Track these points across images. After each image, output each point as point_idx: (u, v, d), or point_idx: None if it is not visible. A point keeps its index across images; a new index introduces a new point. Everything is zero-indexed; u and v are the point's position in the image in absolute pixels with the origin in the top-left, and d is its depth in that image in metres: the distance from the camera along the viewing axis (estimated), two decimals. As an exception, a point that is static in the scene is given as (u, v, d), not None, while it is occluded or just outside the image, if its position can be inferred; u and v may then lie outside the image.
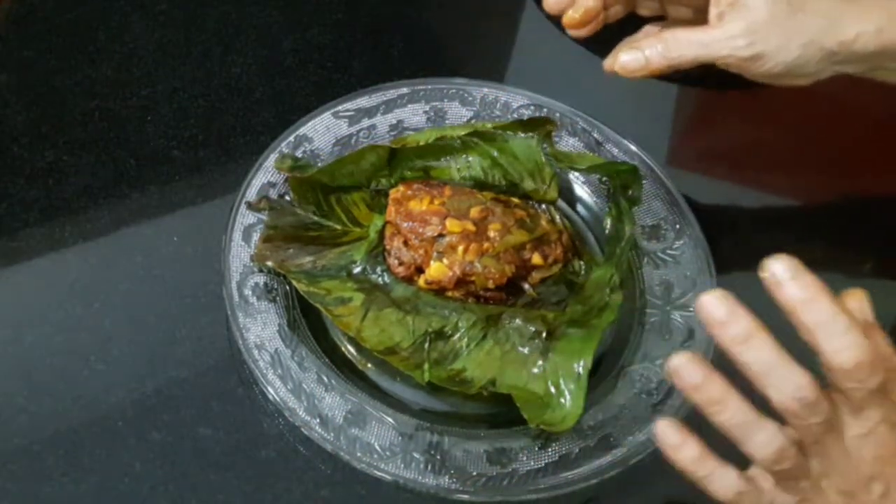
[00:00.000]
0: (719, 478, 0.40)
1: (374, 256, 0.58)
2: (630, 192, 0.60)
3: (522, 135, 0.61)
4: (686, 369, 0.38)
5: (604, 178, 0.63)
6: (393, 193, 0.59)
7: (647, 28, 0.60)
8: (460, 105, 0.65)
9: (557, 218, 0.62)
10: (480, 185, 0.62)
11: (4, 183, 0.61)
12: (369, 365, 0.55)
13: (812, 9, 0.53)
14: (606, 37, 0.76)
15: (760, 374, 0.37)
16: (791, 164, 0.72)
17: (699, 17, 0.55)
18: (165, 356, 0.55)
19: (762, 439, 0.38)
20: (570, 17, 0.57)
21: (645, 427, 0.53)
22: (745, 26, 0.52)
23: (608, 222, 0.61)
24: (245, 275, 0.55)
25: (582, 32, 0.58)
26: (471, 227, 0.56)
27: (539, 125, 0.61)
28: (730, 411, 0.38)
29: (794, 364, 0.37)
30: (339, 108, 0.63)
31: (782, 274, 0.37)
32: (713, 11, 0.53)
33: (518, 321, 0.55)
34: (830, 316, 0.36)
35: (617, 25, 0.60)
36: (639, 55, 0.54)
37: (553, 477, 0.51)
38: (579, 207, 0.64)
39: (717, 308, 0.37)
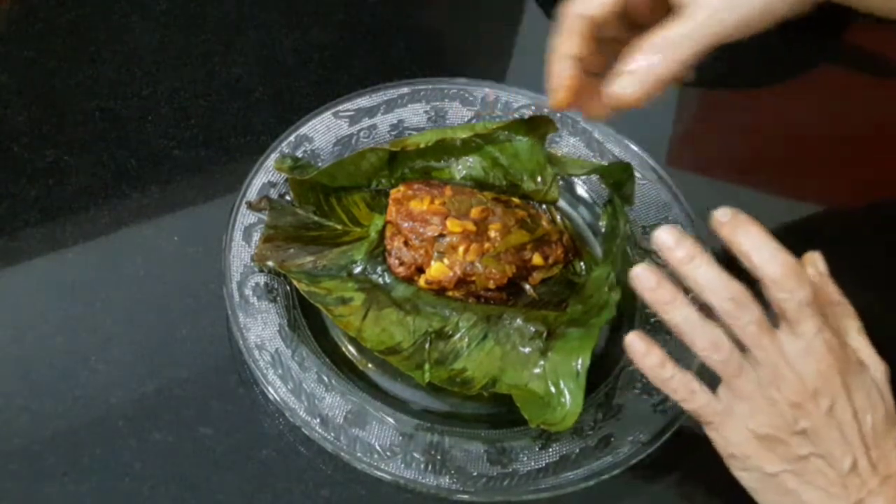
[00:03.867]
0: (678, 380, 0.46)
1: (374, 256, 0.58)
2: (624, 189, 0.60)
3: (521, 137, 0.61)
4: (643, 275, 0.45)
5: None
6: (393, 193, 0.59)
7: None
8: (461, 105, 0.65)
9: (558, 218, 0.62)
10: (481, 185, 0.62)
11: (4, 183, 0.61)
12: (370, 365, 0.55)
13: None
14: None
15: (702, 283, 0.44)
16: (791, 165, 0.72)
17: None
18: (165, 356, 0.55)
19: (703, 332, 0.44)
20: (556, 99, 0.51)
21: (645, 427, 0.53)
22: None
23: (604, 221, 0.62)
24: (246, 275, 0.55)
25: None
26: (471, 227, 0.57)
27: (539, 125, 0.61)
28: (678, 310, 0.45)
29: (732, 278, 0.44)
30: (340, 107, 0.63)
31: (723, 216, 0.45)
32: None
33: (518, 321, 0.55)
34: (762, 241, 0.44)
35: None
36: (634, 80, 0.49)
37: (553, 477, 0.51)
38: (580, 208, 0.64)
39: (669, 237, 0.44)
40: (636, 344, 0.46)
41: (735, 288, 0.44)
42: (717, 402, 0.46)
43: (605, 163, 0.63)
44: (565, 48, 0.50)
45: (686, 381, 0.46)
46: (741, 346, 0.45)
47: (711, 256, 0.44)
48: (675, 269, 0.45)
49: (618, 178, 0.60)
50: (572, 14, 0.50)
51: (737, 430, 0.46)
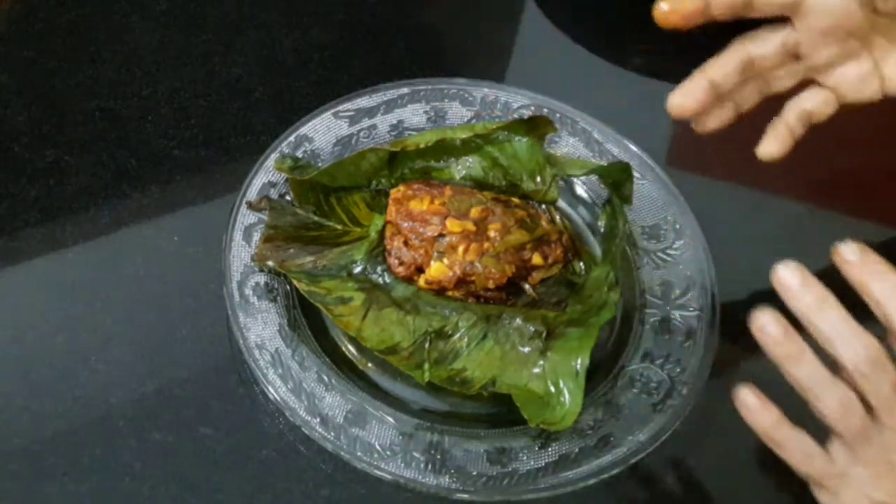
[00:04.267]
0: (793, 441, 0.42)
1: (374, 256, 0.58)
2: (622, 189, 0.60)
3: (521, 137, 0.61)
4: (769, 325, 0.41)
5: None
6: (393, 193, 0.59)
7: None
8: (461, 105, 0.65)
9: (558, 218, 0.62)
10: (481, 185, 0.62)
11: (5, 183, 0.61)
12: (370, 364, 0.55)
13: None
14: (609, 37, 0.76)
15: (833, 336, 0.40)
16: (791, 164, 0.72)
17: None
18: (165, 356, 0.55)
19: (831, 393, 0.41)
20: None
21: (645, 427, 0.53)
22: None
23: (603, 221, 0.62)
24: (246, 274, 0.55)
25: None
26: (471, 227, 0.57)
27: (538, 125, 0.61)
28: (805, 366, 0.41)
29: (863, 329, 0.40)
30: (340, 108, 0.63)
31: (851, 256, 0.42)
32: None
33: (518, 321, 0.55)
34: None
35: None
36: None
37: (553, 476, 0.51)
38: (580, 208, 0.64)
39: (792, 278, 0.41)
40: (748, 399, 0.43)
41: (870, 342, 0.40)
42: (833, 465, 0.42)
43: (604, 163, 0.63)
44: (712, 71, 0.52)
45: (802, 444, 0.43)
46: (865, 404, 0.41)
47: (840, 304, 0.41)
48: (799, 315, 0.41)
49: (616, 178, 0.60)
50: (738, 46, 0.52)
51: (854, 495, 0.42)
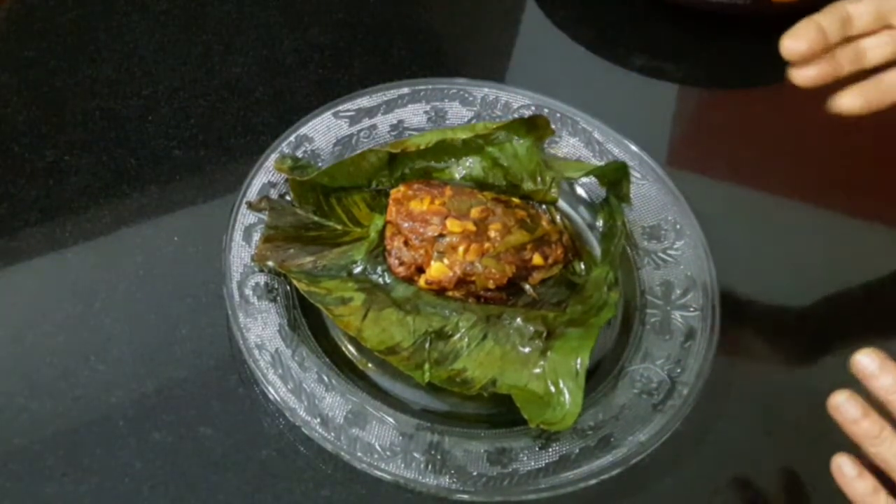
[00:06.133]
0: None
1: (374, 256, 0.58)
2: (620, 189, 0.60)
3: (518, 139, 0.61)
4: (846, 406, 0.43)
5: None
6: (394, 193, 0.59)
7: None
8: (461, 105, 0.65)
9: (558, 218, 0.62)
10: (481, 185, 0.62)
11: (5, 183, 0.61)
12: (370, 365, 0.55)
13: None
14: (609, 37, 0.76)
15: None
16: (791, 164, 0.72)
17: None
18: (165, 356, 0.55)
19: None
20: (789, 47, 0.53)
21: (645, 427, 0.53)
22: None
23: (601, 221, 0.62)
24: (246, 274, 0.55)
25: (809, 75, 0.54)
26: (471, 227, 0.57)
27: (538, 125, 0.61)
28: (885, 444, 0.42)
29: None
30: (340, 107, 0.63)
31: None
32: None
33: (518, 321, 0.55)
34: None
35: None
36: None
37: (553, 477, 0.51)
38: (580, 208, 0.64)
39: (871, 363, 0.42)
40: (846, 467, 0.44)
41: None
42: None
43: (603, 164, 0.63)
44: (818, 17, 0.53)
45: None
46: None
47: None
48: (880, 398, 0.43)
49: (613, 178, 0.60)
50: (836, 4, 0.54)
51: None
